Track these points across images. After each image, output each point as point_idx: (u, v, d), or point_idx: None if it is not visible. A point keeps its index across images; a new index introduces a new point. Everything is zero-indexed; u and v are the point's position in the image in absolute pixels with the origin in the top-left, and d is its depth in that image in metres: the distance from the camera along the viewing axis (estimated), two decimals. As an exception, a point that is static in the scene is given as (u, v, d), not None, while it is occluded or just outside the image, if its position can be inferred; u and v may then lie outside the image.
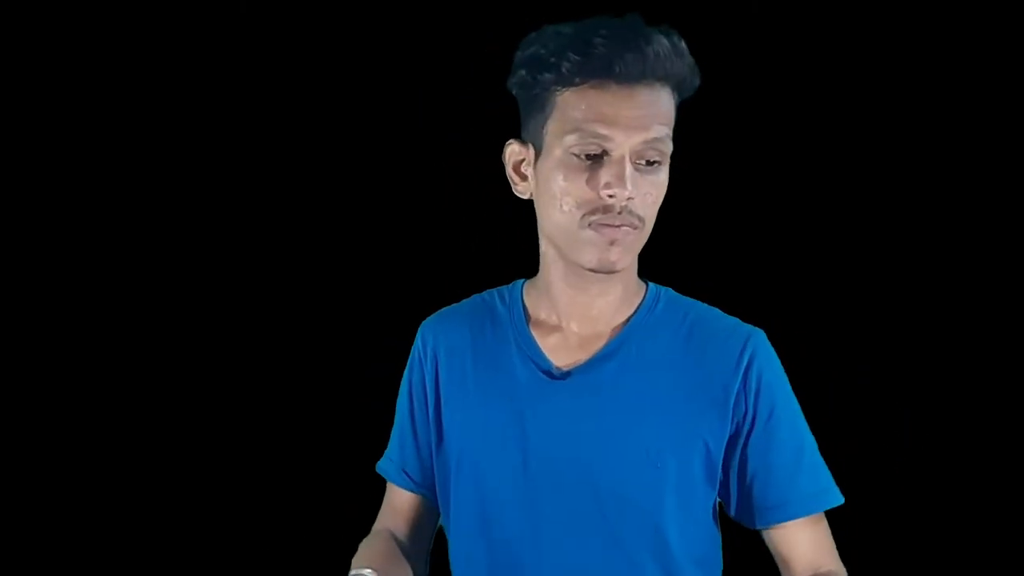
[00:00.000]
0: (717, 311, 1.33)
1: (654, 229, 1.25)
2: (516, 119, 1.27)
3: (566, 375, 1.29)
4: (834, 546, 1.32)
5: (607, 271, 1.21)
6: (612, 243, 1.19)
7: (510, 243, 1.41)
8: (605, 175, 1.16)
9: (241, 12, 2.28)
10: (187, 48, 2.31)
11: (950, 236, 2.08)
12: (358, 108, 2.29)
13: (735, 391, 1.26)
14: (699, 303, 1.34)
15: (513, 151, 1.27)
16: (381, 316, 2.20)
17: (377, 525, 1.47)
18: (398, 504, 1.46)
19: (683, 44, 1.18)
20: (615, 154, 1.16)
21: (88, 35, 2.32)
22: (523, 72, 1.20)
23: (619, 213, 1.17)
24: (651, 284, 1.35)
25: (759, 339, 1.29)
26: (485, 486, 1.32)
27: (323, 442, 2.26)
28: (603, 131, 1.15)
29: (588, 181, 1.17)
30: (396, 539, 1.42)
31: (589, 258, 1.20)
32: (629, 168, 1.16)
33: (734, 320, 1.31)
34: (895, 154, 2.09)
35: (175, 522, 2.31)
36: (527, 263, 1.36)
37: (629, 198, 1.16)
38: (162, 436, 2.32)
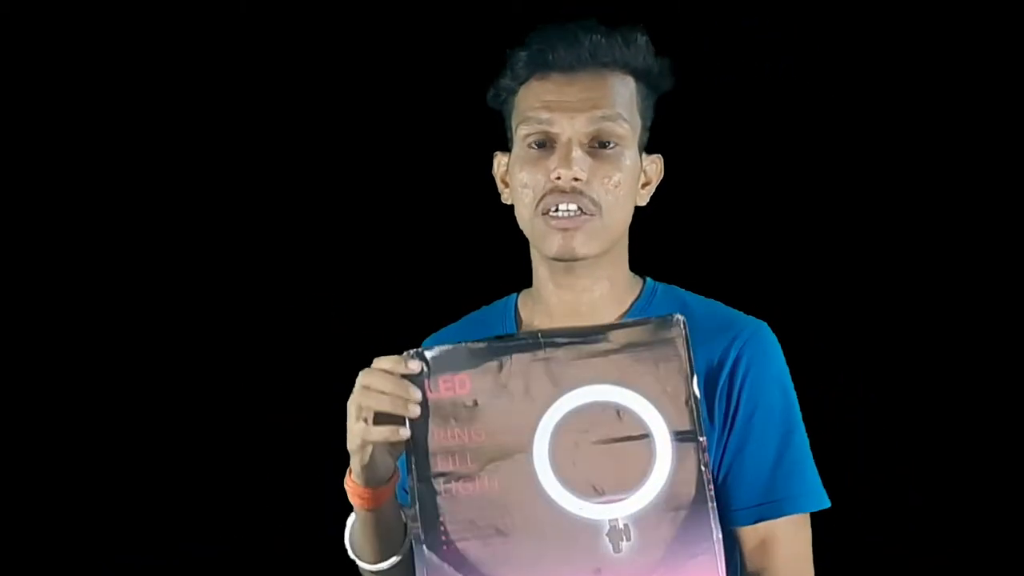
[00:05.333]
0: (719, 304, 1.29)
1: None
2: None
3: None
4: (801, 558, 1.21)
5: (570, 258, 1.22)
6: (565, 231, 1.20)
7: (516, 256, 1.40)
8: (553, 160, 1.20)
9: (242, 12, 2.29)
10: (200, 57, 2.30)
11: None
12: (359, 122, 2.29)
13: (719, 388, 1.21)
14: (701, 298, 1.30)
15: (499, 162, 1.32)
16: (381, 334, 2.20)
17: None
18: None
19: (639, 36, 1.24)
20: (562, 138, 1.21)
21: (89, 35, 2.32)
22: (492, 87, 1.29)
23: (569, 195, 1.19)
24: (649, 280, 1.32)
25: (755, 332, 1.24)
26: None
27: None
28: (545, 115, 1.21)
29: (540, 168, 1.21)
30: None
31: (551, 247, 1.22)
32: (576, 151, 1.20)
33: (735, 313, 1.27)
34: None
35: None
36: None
37: (576, 179, 1.19)
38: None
